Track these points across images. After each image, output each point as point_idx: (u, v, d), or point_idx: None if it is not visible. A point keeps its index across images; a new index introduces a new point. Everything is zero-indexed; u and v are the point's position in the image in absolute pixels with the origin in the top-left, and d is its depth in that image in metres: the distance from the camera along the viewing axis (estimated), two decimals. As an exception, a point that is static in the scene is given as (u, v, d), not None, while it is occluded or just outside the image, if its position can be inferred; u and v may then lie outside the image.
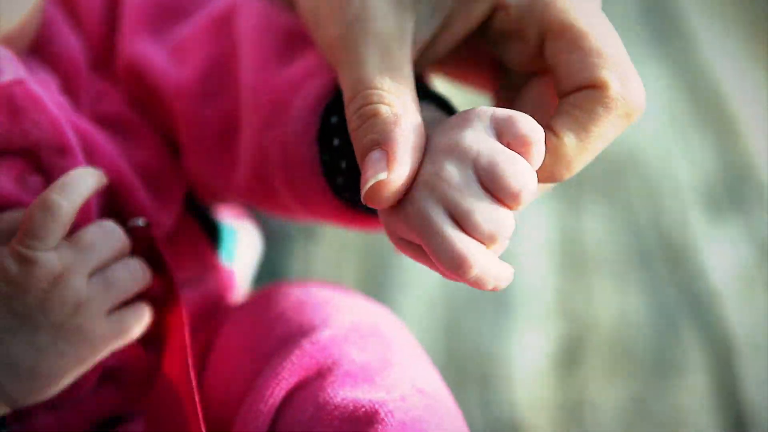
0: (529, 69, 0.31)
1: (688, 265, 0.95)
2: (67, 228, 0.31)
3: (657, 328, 0.77)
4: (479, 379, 0.65)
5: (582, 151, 0.26)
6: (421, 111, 0.27)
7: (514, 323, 0.91)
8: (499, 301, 1.00)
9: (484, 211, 0.24)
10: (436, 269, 0.26)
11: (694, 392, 0.62)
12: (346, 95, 0.28)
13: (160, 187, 0.38)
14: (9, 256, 0.29)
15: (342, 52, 0.28)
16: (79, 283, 0.30)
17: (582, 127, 0.26)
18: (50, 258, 0.30)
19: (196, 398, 0.31)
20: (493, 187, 0.24)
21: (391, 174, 0.25)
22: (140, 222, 0.35)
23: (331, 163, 0.31)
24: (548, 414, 0.55)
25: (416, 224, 0.25)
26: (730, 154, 1.00)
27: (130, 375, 0.35)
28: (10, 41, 0.34)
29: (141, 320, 0.33)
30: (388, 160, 0.25)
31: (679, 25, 1.22)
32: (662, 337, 0.74)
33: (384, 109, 0.26)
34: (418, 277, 0.89)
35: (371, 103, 0.26)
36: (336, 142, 0.31)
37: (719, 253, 0.88)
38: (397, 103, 0.26)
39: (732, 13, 1.22)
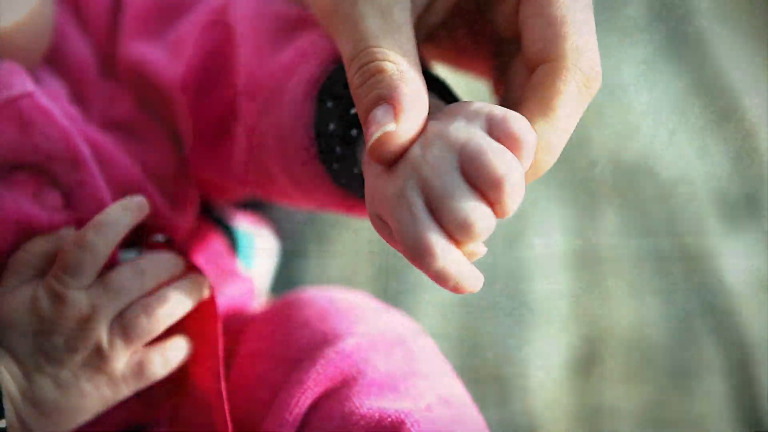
0: (512, 35, 0.30)
1: (704, 270, 0.94)
2: (102, 266, 0.31)
3: (674, 334, 0.76)
4: (496, 385, 0.64)
5: (555, 131, 0.25)
6: None
7: (531, 329, 0.91)
8: (515, 307, 0.99)
9: (459, 199, 0.23)
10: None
11: (711, 397, 0.61)
12: (347, 55, 0.27)
13: (176, 192, 0.38)
14: (44, 291, 0.30)
15: (340, 15, 0.27)
16: (104, 327, 0.31)
17: (547, 105, 0.25)
18: (80, 298, 0.30)
19: (226, 408, 0.31)
20: (475, 174, 0.23)
21: (399, 126, 0.24)
22: (160, 238, 0.35)
23: (327, 148, 0.31)
24: (565, 420, 0.55)
25: (390, 202, 0.24)
26: (746, 160, 0.99)
27: (154, 385, 0.35)
28: (24, 54, 0.34)
29: (166, 364, 0.34)
30: (395, 112, 0.24)
31: (694, 29, 1.21)
32: (679, 343, 0.73)
33: (389, 66, 0.25)
34: (434, 283, 0.88)
35: (375, 60, 0.25)
36: (331, 127, 0.30)
37: (735, 259, 0.87)
38: (401, 62, 0.25)
39: (747, 16, 1.21)
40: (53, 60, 0.37)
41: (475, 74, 0.36)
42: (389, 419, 0.30)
